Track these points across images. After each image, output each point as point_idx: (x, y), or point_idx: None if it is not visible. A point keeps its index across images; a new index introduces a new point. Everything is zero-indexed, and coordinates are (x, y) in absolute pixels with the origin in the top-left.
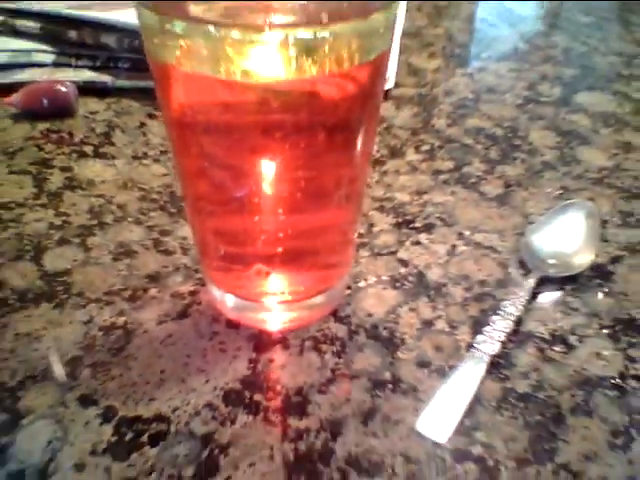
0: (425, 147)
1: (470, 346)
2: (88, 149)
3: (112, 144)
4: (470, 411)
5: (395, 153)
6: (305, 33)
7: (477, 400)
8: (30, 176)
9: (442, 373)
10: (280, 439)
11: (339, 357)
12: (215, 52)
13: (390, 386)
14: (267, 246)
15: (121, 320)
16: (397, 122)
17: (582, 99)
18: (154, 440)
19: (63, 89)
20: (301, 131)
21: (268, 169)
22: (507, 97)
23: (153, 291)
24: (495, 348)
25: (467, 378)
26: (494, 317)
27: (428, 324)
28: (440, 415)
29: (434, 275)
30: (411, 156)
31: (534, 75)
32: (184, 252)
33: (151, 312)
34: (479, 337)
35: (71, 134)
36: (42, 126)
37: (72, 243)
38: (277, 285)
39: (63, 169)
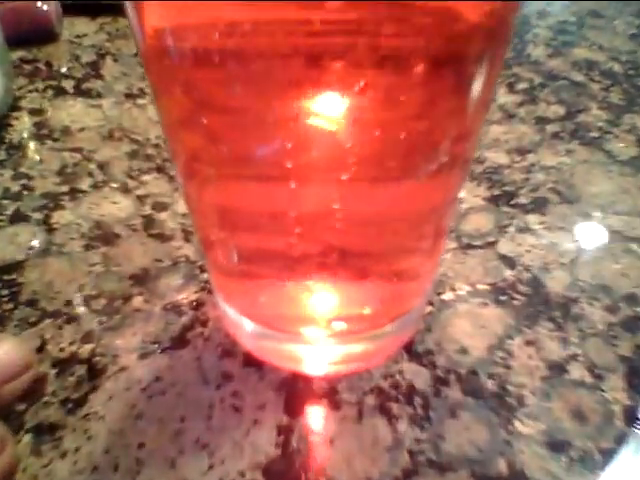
0: (522, 85)
1: (631, 414)
2: (68, 84)
3: (100, 77)
4: None
5: None
6: None
7: None
8: None
9: (590, 463)
10: None
11: (421, 428)
12: None
13: None
14: (309, 244)
15: (86, 349)
16: None
17: None
18: None
19: (44, 8)
20: (380, 61)
21: (312, 114)
22: (617, 24)
23: (138, 300)
24: None
25: (634, 476)
26: None
27: (558, 370)
28: None
29: (557, 283)
30: (503, 97)
31: None
32: (187, 237)
33: (133, 336)
34: None
35: (49, 64)
36: (15, 55)
37: (30, 220)
38: (323, 306)
39: (32, 112)
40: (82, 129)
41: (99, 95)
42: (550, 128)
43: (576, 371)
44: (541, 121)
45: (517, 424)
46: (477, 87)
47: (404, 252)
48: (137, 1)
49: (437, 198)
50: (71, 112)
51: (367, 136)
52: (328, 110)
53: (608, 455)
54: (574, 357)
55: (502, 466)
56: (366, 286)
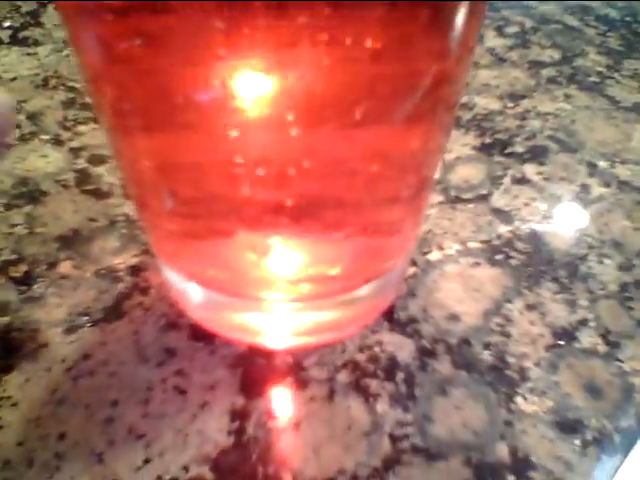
0: (512, 28)
1: None
2: (4, 35)
3: (39, 25)
4: None
5: None
6: None
7: None
8: None
9: (608, 446)
10: None
11: (404, 409)
12: None
13: (511, 478)
14: (261, 191)
15: (2, 322)
16: None
17: None
18: None
19: None
20: None
21: (266, 38)
22: None
23: (65, 266)
24: None
25: None
26: None
27: (567, 338)
28: None
29: (560, 240)
30: (492, 41)
31: None
32: (126, 194)
33: (57, 308)
34: None
35: None
36: None
37: None
38: (285, 268)
39: None
40: (14, 78)
41: (36, 43)
42: (545, 72)
43: (587, 338)
44: (535, 65)
45: (519, 401)
46: (457, 27)
47: (380, 203)
48: None
49: (417, 145)
50: (4, 61)
51: (323, 77)
52: (275, 51)
53: (629, 436)
54: (584, 322)
55: (503, 452)
56: (336, 241)
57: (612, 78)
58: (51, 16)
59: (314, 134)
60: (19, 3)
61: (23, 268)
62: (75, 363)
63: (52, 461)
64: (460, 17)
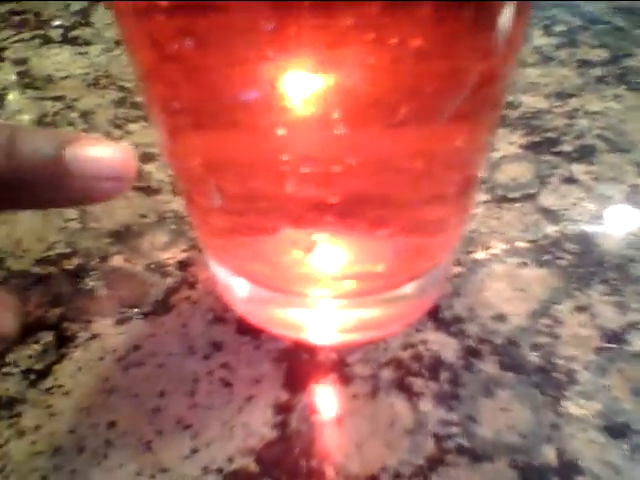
0: (560, 27)
1: None
2: (55, 33)
3: (89, 25)
4: None
5: None
6: None
7: None
8: None
9: None
10: None
11: (449, 408)
12: None
13: None
14: (307, 190)
15: (55, 314)
16: None
17: None
18: None
19: None
20: None
21: (311, 40)
22: None
23: (117, 260)
24: None
25: None
26: None
27: (616, 340)
28: None
29: (610, 241)
30: (540, 39)
31: None
32: (176, 191)
33: (109, 300)
34: None
35: (38, 14)
36: (4, 8)
37: None
38: (328, 264)
39: (16, 62)
40: (66, 77)
41: (87, 43)
42: (593, 72)
43: (638, 341)
44: (583, 64)
45: (567, 404)
46: (503, 26)
47: (424, 202)
48: None
49: (462, 144)
50: (56, 60)
51: (370, 76)
52: (323, 50)
53: None
54: (634, 325)
55: (550, 455)
56: (380, 239)
57: None
58: (101, 15)
59: (359, 133)
60: (69, 2)
61: (76, 261)
62: (125, 354)
63: (101, 448)
64: (506, 16)
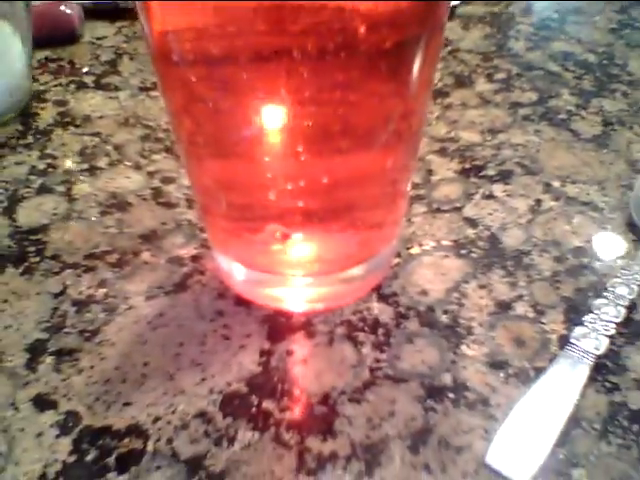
0: (500, 75)
1: (564, 341)
2: (89, 79)
3: (117, 73)
4: (564, 437)
5: (462, 82)
6: None
7: (575, 421)
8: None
9: (524, 378)
10: (295, 468)
11: (381, 351)
12: None
13: (451, 395)
14: (284, 199)
15: (101, 292)
16: (464, 45)
17: None
18: (124, 463)
19: (67, 11)
20: (333, 51)
21: (284, 95)
22: (598, 20)
23: (146, 255)
24: (601, 345)
25: (560, 387)
26: (598, 301)
27: (505, 307)
28: (521, 442)
29: (512, 239)
30: (482, 86)
31: None
32: (189, 205)
33: (141, 282)
34: (577, 329)
35: (72, 63)
36: (40, 55)
37: (54, 192)
38: (300, 252)
39: (57, 103)
40: (101, 117)
41: (116, 88)
42: (522, 111)
43: (521, 308)
44: (514, 105)
45: (464, 348)
46: (414, 72)
47: (367, 207)
48: (144, 1)
49: (389, 164)
50: (91, 103)
51: (321, 119)
52: (288, 104)
53: (541, 372)
54: (520, 297)
55: (448, 379)
56: (337, 233)
57: (578, 115)
58: (127, 65)
59: (316, 159)
60: (98, 52)
61: (115, 256)
62: (154, 319)
63: (139, 379)
64: (416, 67)
